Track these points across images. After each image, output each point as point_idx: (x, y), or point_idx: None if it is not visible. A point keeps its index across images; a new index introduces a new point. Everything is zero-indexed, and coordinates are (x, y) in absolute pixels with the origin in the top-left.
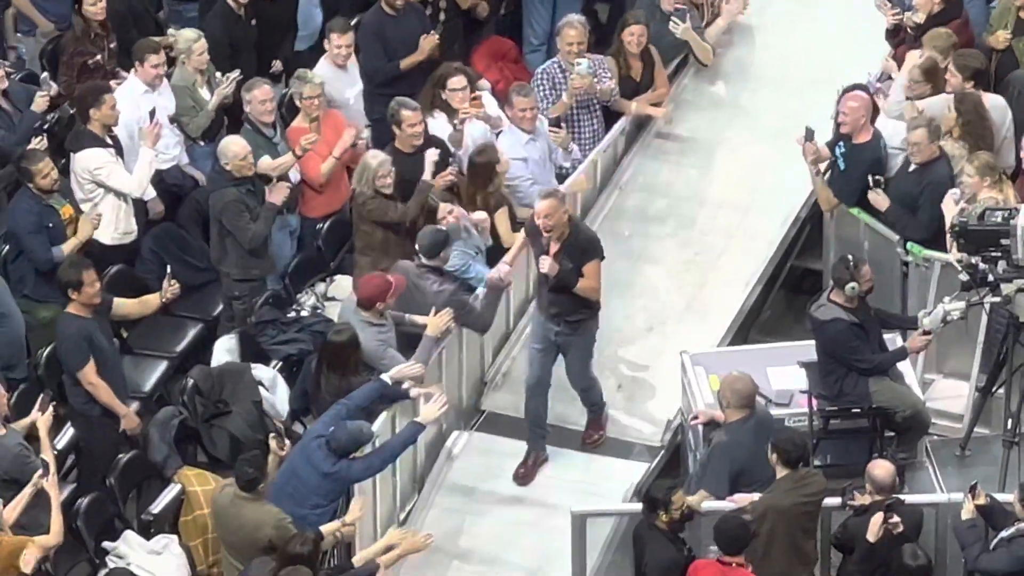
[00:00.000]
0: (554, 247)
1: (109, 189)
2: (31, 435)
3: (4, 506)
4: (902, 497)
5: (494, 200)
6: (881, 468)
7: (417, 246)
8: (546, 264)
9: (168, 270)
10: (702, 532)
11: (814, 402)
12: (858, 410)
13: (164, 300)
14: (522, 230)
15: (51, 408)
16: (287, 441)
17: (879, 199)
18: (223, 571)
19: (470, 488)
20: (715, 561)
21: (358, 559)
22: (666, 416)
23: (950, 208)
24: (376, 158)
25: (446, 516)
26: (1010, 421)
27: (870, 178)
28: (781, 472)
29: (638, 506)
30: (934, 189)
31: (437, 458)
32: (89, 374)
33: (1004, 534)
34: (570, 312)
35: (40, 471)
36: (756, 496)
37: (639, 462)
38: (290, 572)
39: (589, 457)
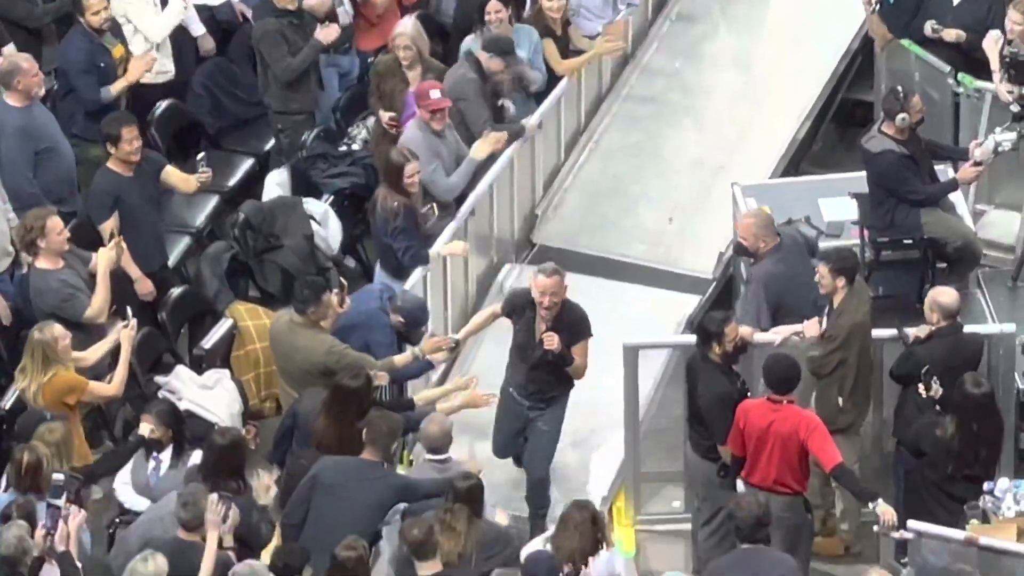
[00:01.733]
0: (544, 324)
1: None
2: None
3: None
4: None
5: None
6: (946, 295)
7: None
8: (554, 341)
9: (201, 159)
10: (754, 366)
11: (866, 233)
12: (909, 241)
13: (199, 183)
14: (497, 305)
15: (116, 244)
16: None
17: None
18: (280, 401)
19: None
20: (764, 400)
21: (420, 399)
22: (718, 248)
23: (991, 48)
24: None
25: (498, 351)
26: None
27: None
28: (841, 291)
29: (691, 338)
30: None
31: (488, 291)
32: (107, 231)
33: None
34: (549, 389)
35: (128, 322)
36: (796, 327)
37: (691, 294)
38: (375, 418)
39: (642, 289)
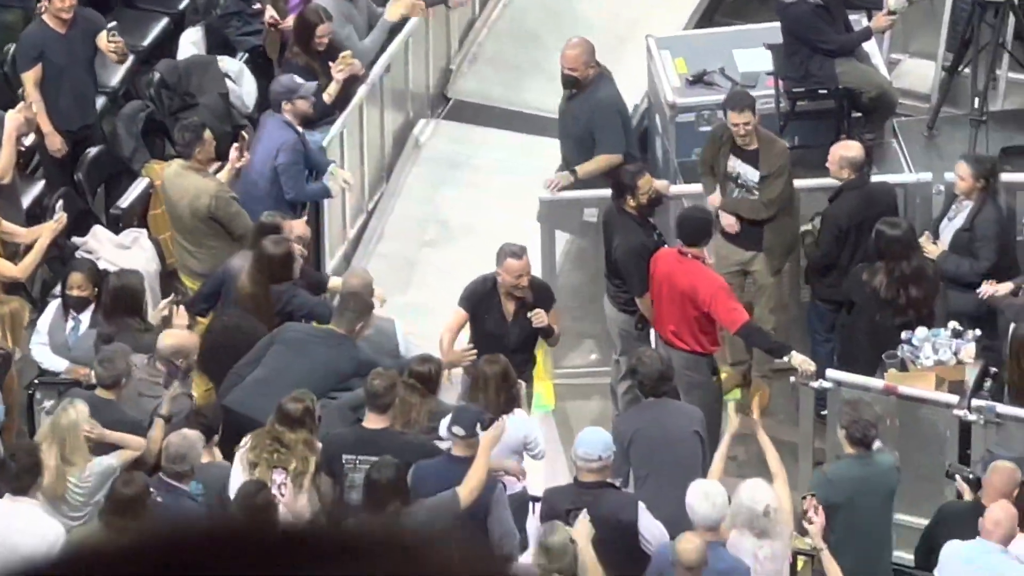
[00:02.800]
0: (513, 304)
1: None
2: None
3: None
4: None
5: None
6: (849, 148)
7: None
8: (543, 317)
9: None
10: (670, 218)
11: (780, 84)
12: (825, 91)
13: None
14: (457, 315)
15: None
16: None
17: None
18: (174, 253)
19: (438, 175)
20: (675, 250)
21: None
22: (633, 101)
23: None
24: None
25: (414, 204)
26: (977, 100)
27: None
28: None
29: (606, 191)
30: None
31: (404, 146)
32: (27, 81)
33: None
34: (524, 371)
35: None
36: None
37: None
38: (346, 294)
39: (556, 142)
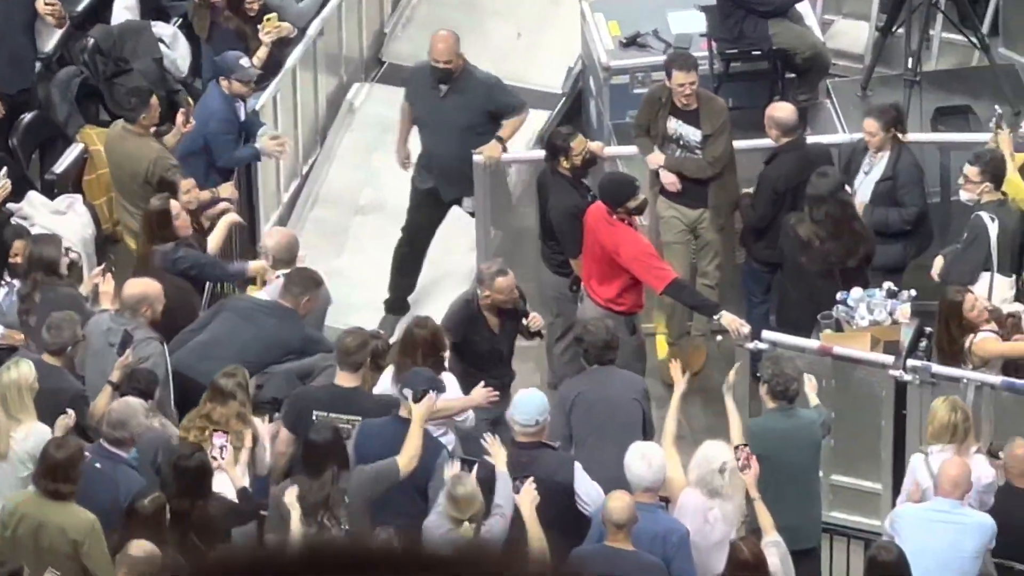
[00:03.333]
0: (496, 318)
1: None
2: None
3: None
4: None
5: None
6: (782, 109)
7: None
8: (540, 320)
9: None
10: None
11: (714, 45)
12: (758, 52)
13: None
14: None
15: None
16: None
17: None
18: (119, 218)
19: (372, 139)
20: (605, 208)
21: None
22: (567, 63)
23: None
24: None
25: (348, 168)
26: (910, 60)
27: None
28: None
29: (540, 153)
30: None
31: (338, 110)
32: None
33: None
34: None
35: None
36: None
37: (540, 110)
38: (293, 272)
39: None
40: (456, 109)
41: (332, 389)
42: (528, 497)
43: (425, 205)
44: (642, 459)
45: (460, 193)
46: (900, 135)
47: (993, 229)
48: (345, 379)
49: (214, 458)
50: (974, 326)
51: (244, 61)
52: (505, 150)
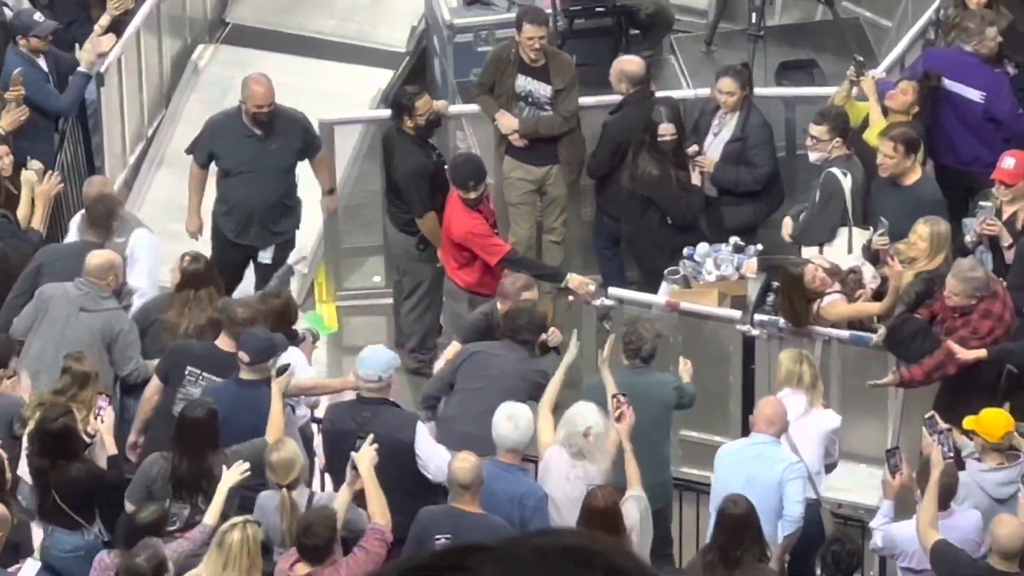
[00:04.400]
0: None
1: None
2: None
3: None
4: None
5: None
6: (631, 62)
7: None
8: (558, 335)
9: None
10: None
11: (558, 2)
12: (602, 8)
13: None
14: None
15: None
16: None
17: None
18: None
19: (217, 100)
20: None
21: None
22: (411, 22)
23: None
24: None
25: (194, 130)
26: (754, 15)
27: None
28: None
29: (385, 112)
30: None
31: (183, 72)
32: None
33: None
34: None
35: None
36: None
37: (385, 69)
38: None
39: (335, 65)
40: (278, 152)
41: (212, 349)
42: (367, 456)
43: (231, 258)
44: (508, 419)
45: (269, 241)
46: (750, 96)
47: (847, 184)
48: (226, 343)
49: (96, 416)
50: (819, 293)
51: (38, 16)
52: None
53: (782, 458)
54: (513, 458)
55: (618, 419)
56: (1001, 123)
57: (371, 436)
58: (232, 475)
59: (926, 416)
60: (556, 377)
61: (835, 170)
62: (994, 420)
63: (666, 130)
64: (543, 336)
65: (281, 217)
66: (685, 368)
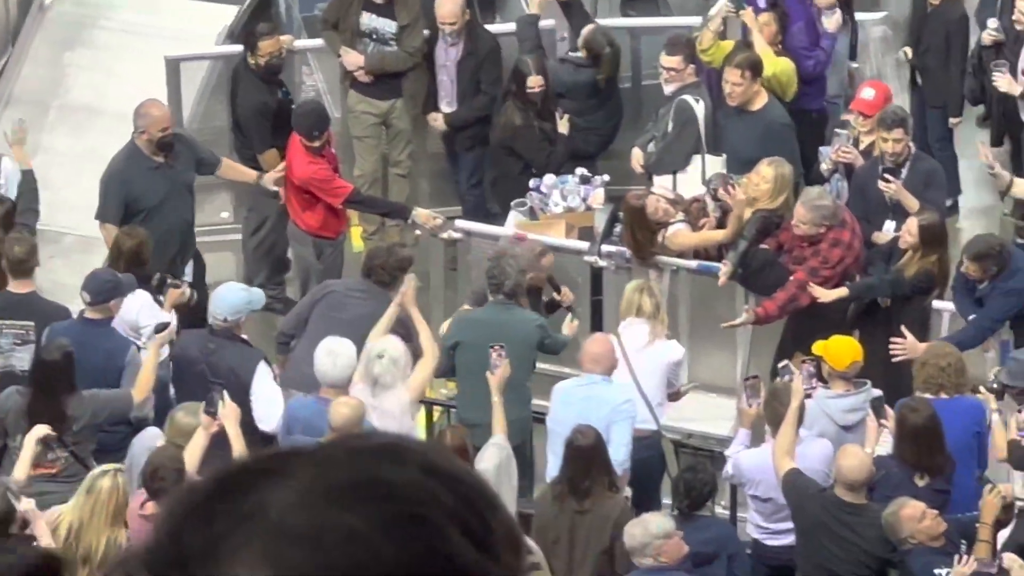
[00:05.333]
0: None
1: None
2: None
3: None
4: None
5: None
6: None
7: None
8: (570, 294)
9: None
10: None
11: None
12: None
13: None
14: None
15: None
16: None
17: None
18: None
19: (65, 38)
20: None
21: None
22: None
23: None
24: None
25: (43, 69)
26: None
27: None
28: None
29: (232, 49)
30: None
31: (29, 10)
32: None
33: None
34: None
35: None
36: None
37: (230, 5)
38: None
39: (179, 2)
40: (184, 170)
41: (7, 296)
42: (231, 413)
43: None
44: (328, 355)
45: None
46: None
47: (699, 110)
48: (18, 286)
49: None
50: (662, 223)
51: None
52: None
53: (610, 399)
54: (335, 395)
55: (493, 368)
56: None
57: (225, 393)
58: (40, 430)
59: (780, 366)
60: (390, 311)
61: (688, 97)
62: (841, 348)
63: (535, 82)
64: (556, 296)
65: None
66: (566, 295)
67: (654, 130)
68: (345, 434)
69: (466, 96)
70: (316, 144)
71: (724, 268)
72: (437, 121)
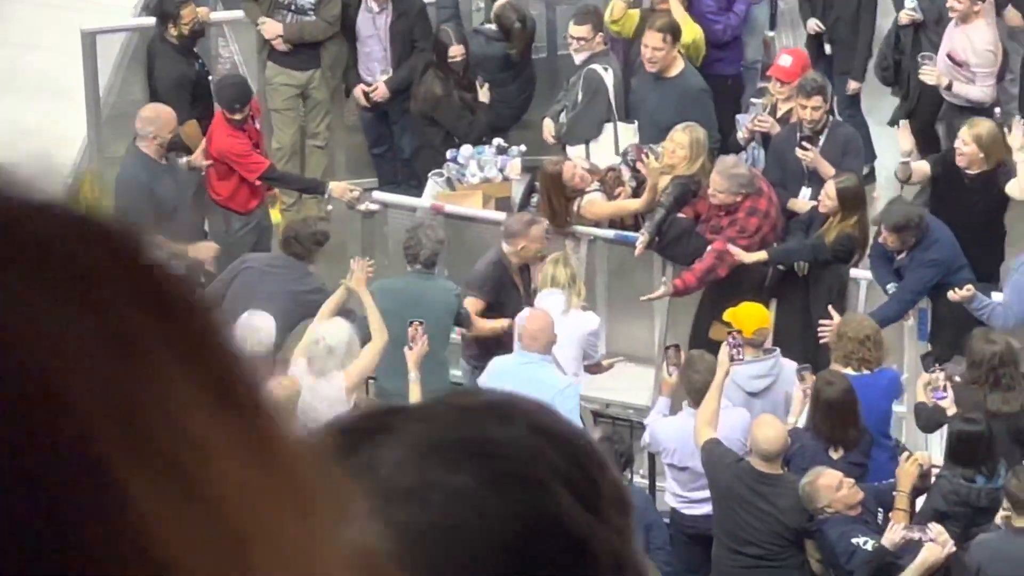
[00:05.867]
0: (519, 277)
1: None
2: None
3: None
4: None
5: None
6: None
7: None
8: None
9: None
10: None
11: None
12: None
13: None
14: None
15: None
16: None
17: None
18: None
19: None
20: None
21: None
22: None
23: None
24: None
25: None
26: None
27: None
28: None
29: (147, 20)
30: None
31: None
32: None
33: None
34: None
35: None
36: None
37: None
38: None
39: None
40: (181, 160)
41: None
42: None
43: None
44: (249, 330)
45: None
46: None
47: (609, 79)
48: None
49: None
50: (578, 191)
51: None
52: None
53: (553, 383)
54: None
55: (411, 344)
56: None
57: None
58: None
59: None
60: (335, 297)
61: (596, 66)
62: (750, 314)
63: (456, 51)
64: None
65: None
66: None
67: (565, 100)
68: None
69: (402, 60)
70: (238, 117)
71: (642, 238)
72: (375, 91)
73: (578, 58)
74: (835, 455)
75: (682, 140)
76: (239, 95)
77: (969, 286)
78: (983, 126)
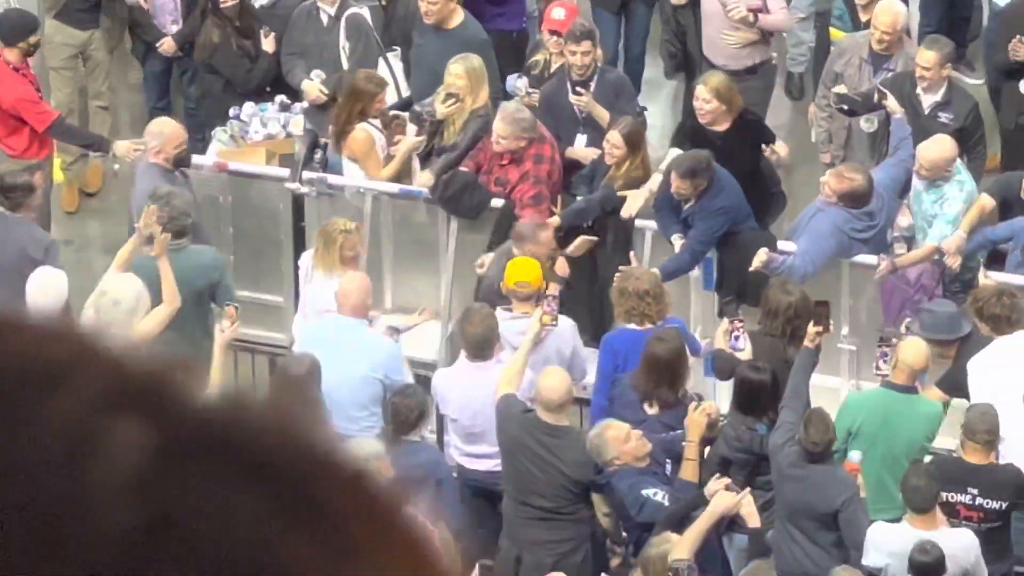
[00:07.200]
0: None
1: None
2: None
3: None
4: None
5: None
6: None
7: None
8: (567, 271)
9: None
10: None
11: None
12: None
13: None
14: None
15: None
16: None
17: None
18: None
19: None
20: None
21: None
22: None
23: None
24: None
25: None
26: None
27: None
28: None
29: None
30: None
31: None
32: None
33: None
34: None
35: None
36: None
37: None
38: None
39: None
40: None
41: None
42: None
43: None
44: (38, 288)
45: None
46: None
47: (367, 14)
48: None
49: None
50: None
51: None
52: None
53: (380, 346)
54: None
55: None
56: None
57: None
58: None
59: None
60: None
61: (355, 10)
62: (517, 268)
63: None
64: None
65: None
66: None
67: (324, 52)
68: None
69: (191, 10)
70: (16, 50)
71: (423, 179)
72: (163, 46)
73: (331, 9)
74: (650, 410)
75: (457, 70)
76: (18, 28)
77: (763, 250)
78: (717, 78)
